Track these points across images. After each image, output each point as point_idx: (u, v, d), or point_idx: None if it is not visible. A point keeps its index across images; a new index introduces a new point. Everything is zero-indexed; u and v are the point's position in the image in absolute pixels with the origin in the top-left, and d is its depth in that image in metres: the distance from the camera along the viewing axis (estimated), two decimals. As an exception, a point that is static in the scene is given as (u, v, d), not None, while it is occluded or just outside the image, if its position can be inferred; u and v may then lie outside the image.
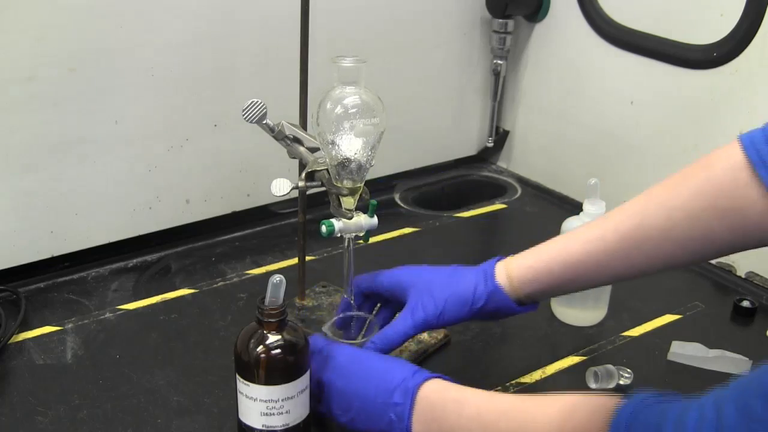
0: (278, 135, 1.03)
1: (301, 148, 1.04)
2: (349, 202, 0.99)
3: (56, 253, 1.35)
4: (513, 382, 1.09)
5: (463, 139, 1.84)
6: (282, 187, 0.99)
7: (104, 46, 1.27)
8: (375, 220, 1.01)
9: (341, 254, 1.05)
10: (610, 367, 1.09)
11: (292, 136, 1.04)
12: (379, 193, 1.63)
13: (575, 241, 0.92)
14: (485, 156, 1.87)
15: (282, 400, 0.90)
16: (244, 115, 0.99)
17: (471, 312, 0.96)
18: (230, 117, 1.38)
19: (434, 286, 0.96)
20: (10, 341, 1.16)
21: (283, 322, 0.91)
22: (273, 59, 1.43)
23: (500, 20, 1.68)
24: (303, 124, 1.13)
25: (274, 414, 0.91)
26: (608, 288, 1.24)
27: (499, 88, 1.76)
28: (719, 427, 0.52)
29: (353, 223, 1.00)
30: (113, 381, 1.09)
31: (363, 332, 1.04)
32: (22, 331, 1.18)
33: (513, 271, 0.95)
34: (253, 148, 1.43)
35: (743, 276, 1.39)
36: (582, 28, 1.60)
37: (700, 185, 0.85)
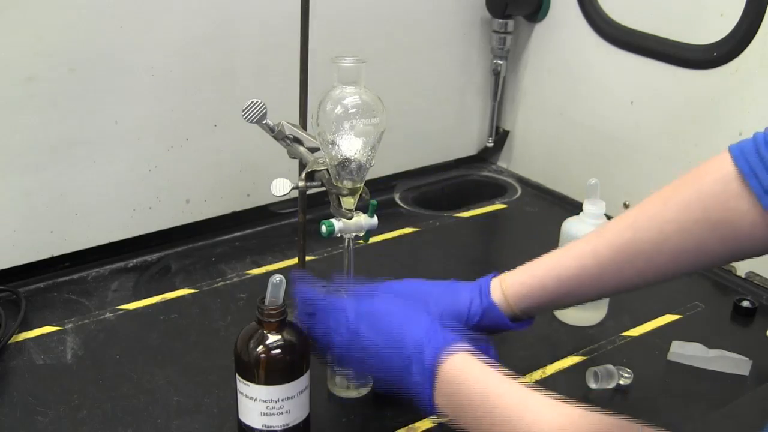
0: (278, 135, 1.03)
1: (301, 148, 1.04)
2: (349, 202, 0.99)
3: (56, 253, 1.35)
4: (513, 382, 1.09)
5: (463, 139, 1.84)
6: (282, 187, 0.98)
7: (104, 46, 1.27)
8: (375, 220, 1.01)
9: (341, 254, 1.05)
10: (610, 367, 1.09)
11: (292, 136, 1.04)
12: (379, 193, 1.63)
13: (568, 256, 0.93)
14: (485, 156, 1.87)
15: (282, 400, 0.90)
16: (244, 115, 0.99)
17: (466, 327, 0.96)
18: (230, 117, 1.38)
19: (431, 300, 0.96)
20: (10, 341, 1.16)
21: (283, 322, 0.91)
22: (273, 59, 1.43)
23: (500, 20, 1.68)
24: (303, 124, 1.13)
25: (274, 414, 0.91)
26: (608, 288, 1.23)
27: (499, 88, 1.76)
28: None
29: (353, 223, 1.00)
30: (113, 381, 1.09)
31: None
32: (22, 331, 1.18)
33: (508, 287, 0.96)
34: (253, 148, 1.43)
35: (743, 276, 1.39)
36: (582, 28, 1.59)
37: (692, 197, 0.85)
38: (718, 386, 1.10)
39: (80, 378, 1.09)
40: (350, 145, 0.94)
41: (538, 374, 1.11)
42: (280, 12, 1.34)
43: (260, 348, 0.90)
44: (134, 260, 1.40)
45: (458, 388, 0.80)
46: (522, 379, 0.80)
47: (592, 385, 1.08)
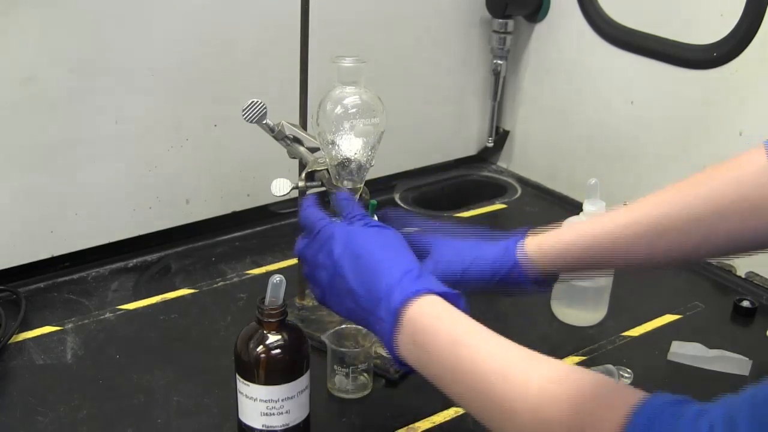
0: (278, 135, 1.03)
1: (301, 148, 1.04)
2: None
3: (56, 253, 1.35)
4: (513, 382, 1.09)
5: (463, 139, 1.84)
6: (282, 187, 0.98)
7: (104, 46, 1.27)
8: (375, 220, 1.01)
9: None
10: (610, 367, 1.09)
11: (292, 136, 1.04)
12: (379, 193, 1.63)
13: (598, 227, 0.92)
14: (485, 156, 1.87)
15: (282, 400, 0.90)
16: (244, 115, 0.99)
17: (491, 280, 0.94)
18: (230, 117, 1.38)
19: (463, 247, 0.95)
20: (10, 341, 1.16)
21: (283, 322, 0.91)
22: (273, 59, 1.43)
23: (500, 20, 1.68)
24: (303, 124, 1.13)
25: (274, 414, 0.91)
26: (608, 288, 1.24)
27: (499, 88, 1.76)
28: None
29: (353, 223, 0.99)
30: (113, 381, 1.09)
31: None
32: (22, 331, 1.18)
33: (535, 248, 0.94)
34: (253, 148, 1.43)
35: (743, 276, 1.39)
36: (582, 28, 1.59)
37: (728, 185, 0.86)
38: (718, 386, 1.10)
39: (80, 378, 1.09)
40: (350, 145, 0.94)
41: (538, 374, 1.11)
42: (280, 12, 1.34)
43: (260, 348, 0.90)
44: (134, 260, 1.40)
45: (423, 328, 0.77)
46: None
47: (592, 385, 1.08)
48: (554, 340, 1.21)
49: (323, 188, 1.01)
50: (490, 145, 1.83)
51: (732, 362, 1.12)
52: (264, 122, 1.01)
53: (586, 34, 1.59)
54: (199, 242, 1.46)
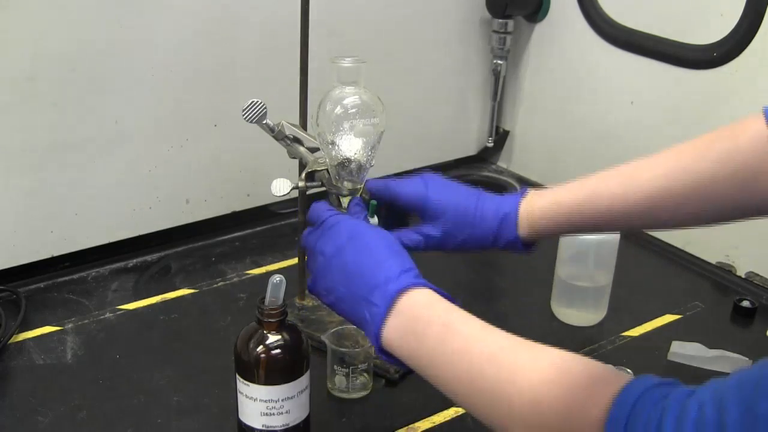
0: (278, 135, 1.03)
1: (301, 148, 1.04)
2: (348, 201, 0.99)
3: (56, 253, 1.35)
4: (513, 382, 1.09)
5: (463, 139, 1.84)
6: (282, 187, 0.98)
7: (104, 46, 1.27)
8: (375, 220, 1.01)
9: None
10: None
11: (292, 136, 1.04)
12: (379, 193, 1.63)
13: (600, 196, 0.92)
14: (485, 156, 1.87)
15: (282, 400, 0.90)
16: (244, 115, 0.99)
17: (482, 246, 0.95)
18: (230, 117, 1.38)
19: (459, 223, 0.94)
20: (10, 341, 1.16)
21: (283, 322, 0.91)
22: (273, 59, 1.43)
23: (500, 20, 1.68)
24: (303, 124, 1.13)
25: (274, 414, 0.91)
26: (608, 288, 1.24)
27: (499, 89, 1.76)
28: (721, 426, 0.52)
29: (353, 223, 0.99)
30: (113, 381, 1.09)
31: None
32: (22, 331, 1.18)
33: (532, 215, 0.93)
34: (253, 148, 1.43)
35: (743, 276, 1.39)
36: (582, 28, 1.59)
37: (726, 154, 0.86)
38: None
39: (80, 378, 1.09)
40: (350, 146, 0.94)
41: (538, 374, 1.11)
42: (280, 12, 1.34)
43: (260, 348, 0.90)
44: (134, 260, 1.40)
45: (417, 316, 0.76)
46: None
47: (592, 385, 1.08)
48: (554, 340, 1.19)
49: (323, 188, 1.01)
50: (490, 145, 1.83)
51: (732, 362, 1.12)
52: (264, 122, 1.00)
53: (586, 34, 1.59)
54: (199, 242, 1.46)
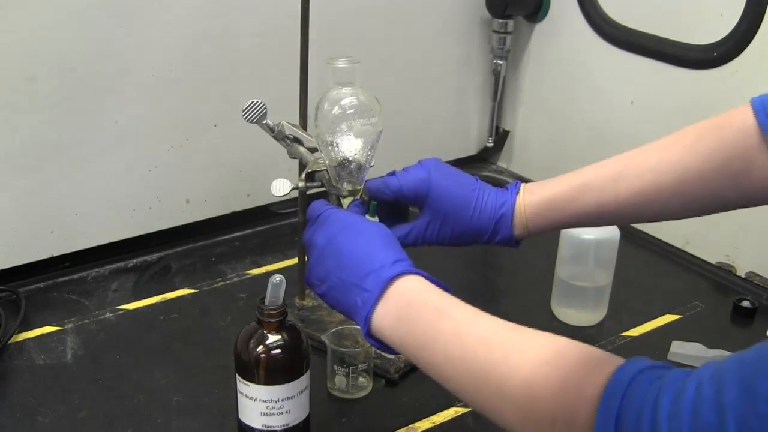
0: (278, 135, 1.03)
1: (301, 148, 1.04)
2: (348, 203, 0.99)
3: (56, 253, 1.35)
4: (513, 382, 1.09)
5: (463, 139, 1.84)
6: (282, 188, 0.98)
7: (104, 46, 1.27)
8: (376, 219, 1.01)
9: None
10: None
11: (292, 136, 1.04)
12: (379, 193, 1.63)
13: (590, 194, 0.92)
14: (485, 156, 1.87)
15: (282, 400, 0.90)
16: (244, 115, 0.99)
17: (475, 241, 0.96)
18: (230, 117, 1.38)
19: (458, 215, 0.94)
20: (10, 341, 1.16)
21: (283, 322, 0.91)
22: (273, 59, 1.43)
23: (500, 20, 1.68)
24: (303, 124, 1.13)
25: (274, 414, 0.91)
26: (608, 288, 1.24)
27: (499, 88, 1.76)
28: (719, 405, 0.52)
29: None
30: (113, 381, 1.09)
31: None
32: (22, 331, 1.18)
33: (527, 212, 0.94)
34: (253, 148, 1.43)
35: (743, 276, 1.39)
36: (582, 28, 1.59)
37: (713, 148, 0.86)
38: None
39: (80, 378, 1.09)
40: (349, 146, 0.94)
41: (538, 374, 1.11)
42: (280, 12, 1.34)
43: (260, 348, 0.90)
44: (134, 260, 1.40)
45: (410, 300, 0.76)
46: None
47: (592, 385, 1.08)
48: (554, 340, 1.20)
49: (323, 188, 1.01)
50: (490, 145, 1.83)
51: (732, 362, 1.12)
52: (264, 122, 1.00)
53: (586, 34, 1.59)
54: (199, 242, 1.46)
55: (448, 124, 1.79)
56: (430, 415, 1.04)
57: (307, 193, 1.07)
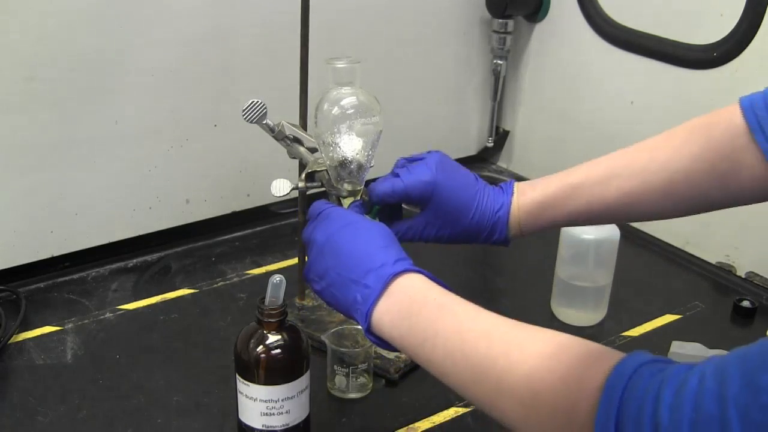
0: (278, 135, 1.03)
1: (301, 148, 1.04)
2: (349, 204, 0.99)
3: (56, 253, 1.35)
4: (513, 382, 1.09)
5: (463, 139, 1.84)
6: (282, 188, 0.98)
7: (104, 46, 1.27)
8: (376, 220, 1.01)
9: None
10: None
11: (292, 136, 1.04)
12: (379, 193, 1.63)
13: (580, 198, 0.93)
14: (485, 156, 1.87)
15: (282, 400, 0.90)
16: (244, 115, 0.99)
17: (469, 241, 0.97)
18: (230, 117, 1.38)
19: (458, 216, 0.95)
20: (10, 341, 1.16)
21: (283, 322, 0.91)
22: (273, 59, 1.43)
23: (500, 20, 1.68)
24: (303, 124, 1.13)
25: (274, 414, 0.91)
26: (608, 288, 1.24)
27: (499, 88, 1.76)
28: (721, 398, 0.52)
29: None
30: (113, 381, 1.09)
31: None
32: (22, 331, 1.18)
33: (521, 214, 0.95)
34: (253, 148, 1.43)
35: (743, 276, 1.39)
36: (582, 28, 1.59)
37: (701, 148, 0.86)
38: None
39: (80, 378, 1.09)
40: (349, 146, 0.94)
41: (538, 374, 1.11)
42: (280, 12, 1.34)
43: (260, 348, 0.90)
44: (134, 260, 1.40)
45: (412, 296, 0.77)
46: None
47: (592, 385, 1.08)
48: (554, 340, 1.20)
49: (323, 189, 1.01)
50: (490, 145, 1.83)
51: (732, 362, 1.12)
52: (264, 122, 1.00)
53: (586, 34, 1.59)
54: (199, 242, 1.46)
55: (448, 124, 1.79)
56: (430, 415, 1.04)
57: (307, 193, 1.07)
